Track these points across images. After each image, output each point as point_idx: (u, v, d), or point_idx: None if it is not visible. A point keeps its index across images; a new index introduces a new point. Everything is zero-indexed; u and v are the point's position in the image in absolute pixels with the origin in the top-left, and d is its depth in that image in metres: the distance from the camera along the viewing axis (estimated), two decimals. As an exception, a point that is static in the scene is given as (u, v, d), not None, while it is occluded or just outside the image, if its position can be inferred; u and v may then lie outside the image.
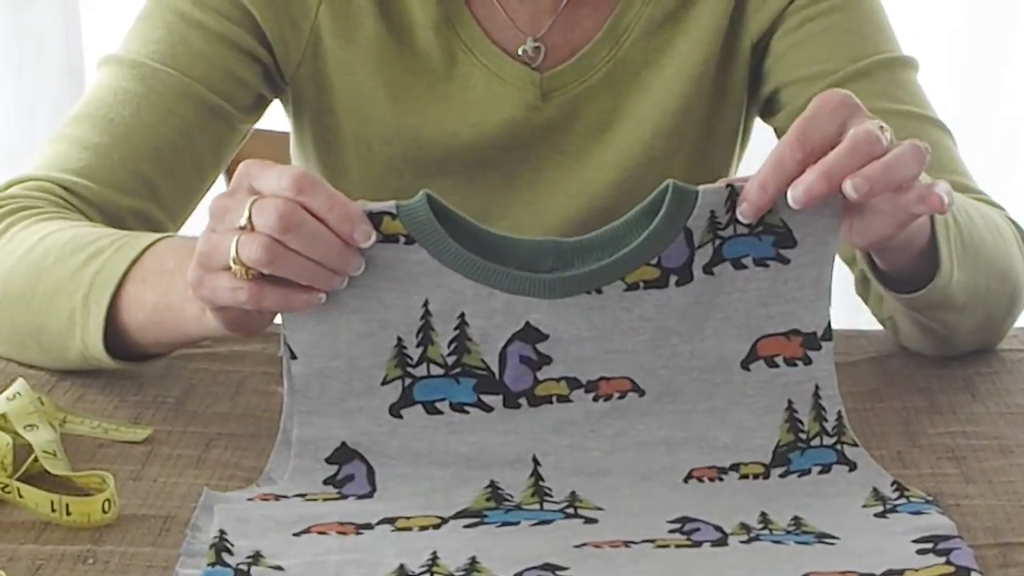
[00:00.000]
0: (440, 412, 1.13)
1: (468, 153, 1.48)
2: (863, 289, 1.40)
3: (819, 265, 1.14)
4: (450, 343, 1.13)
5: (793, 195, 1.09)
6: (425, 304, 1.12)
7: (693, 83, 1.48)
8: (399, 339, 1.13)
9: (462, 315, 1.12)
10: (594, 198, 1.49)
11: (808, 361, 1.15)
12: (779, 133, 1.50)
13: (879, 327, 1.41)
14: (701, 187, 1.13)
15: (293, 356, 1.12)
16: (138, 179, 1.40)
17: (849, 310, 1.36)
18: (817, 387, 1.15)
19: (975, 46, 2.51)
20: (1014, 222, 1.41)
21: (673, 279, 1.13)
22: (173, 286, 1.21)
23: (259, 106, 1.51)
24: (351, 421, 1.13)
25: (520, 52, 1.47)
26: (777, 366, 1.15)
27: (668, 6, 1.47)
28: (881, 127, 1.11)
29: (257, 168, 1.10)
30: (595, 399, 1.14)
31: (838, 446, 1.14)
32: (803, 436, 1.14)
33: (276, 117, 1.58)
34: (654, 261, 1.12)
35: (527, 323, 1.13)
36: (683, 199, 1.12)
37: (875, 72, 1.45)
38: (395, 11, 1.46)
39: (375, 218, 1.10)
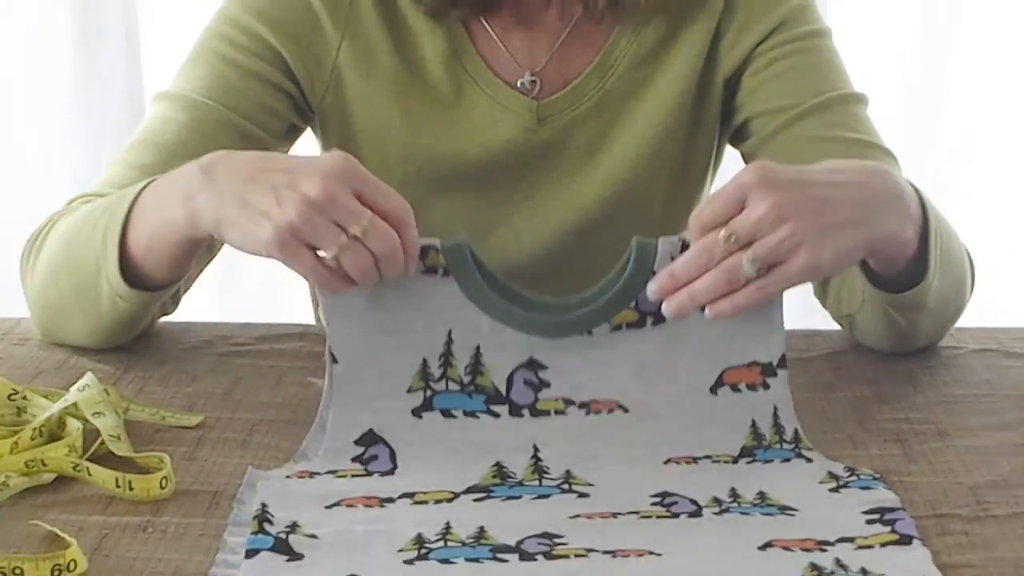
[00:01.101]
0: (455, 417, 1.16)
1: (474, 170, 1.49)
2: (820, 292, 1.40)
3: (771, 306, 1.17)
4: (466, 367, 1.17)
5: (667, 308, 1.15)
6: (448, 334, 1.17)
7: (672, 113, 1.48)
8: (424, 360, 1.17)
9: (477, 347, 1.17)
10: (585, 211, 1.50)
11: (767, 387, 1.17)
12: (746, 158, 1.50)
13: (833, 327, 1.42)
14: (660, 238, 1.16)
15: (335, 360, 1.16)
16: None
17: (805, 312, 1.37)
18: (775, 408, 1.17)
19: (917, 82, 2.50)
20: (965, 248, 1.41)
21: (650, 320, 1.16)
22: (166, 204, 1.23)
23: (292, 133, 1.51)
24: (379, 415, 1.15)
25: (519, 84, 1.48)
26: (740, 391, 1.17)
27: (650, 44, 1.48)
28: (753, 259, 1.13)
29: (371, 182, 1.15)
30: (587, 413, 1.16)
31: (796, 450, 1.16)
32: (765, 443, 1.16)
33: (307, 140, 1.58)
34: (633, 305, 1.16)
35: (531, 357, 1.17)
36: (646, 249, 1.16)
37: (833, 105, 1.46)
38: (408, 47, 1.47)
39: (423, 251, 1.16)
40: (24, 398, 1.21)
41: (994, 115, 2.54)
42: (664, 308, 1.16)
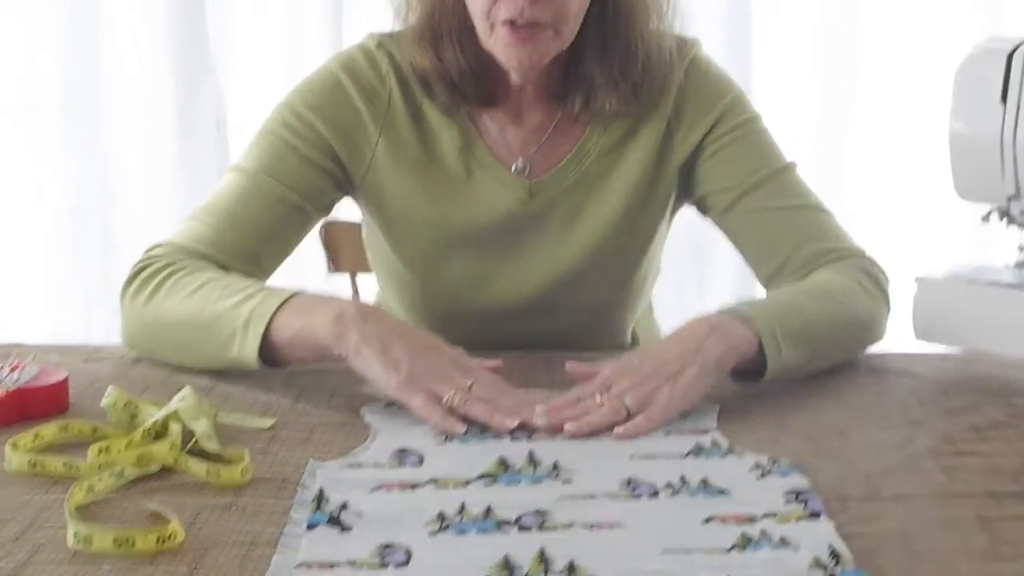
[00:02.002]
0: (469, 443, 1.16)
1: (480, 233, 1.48)
2: None
3: (708, 412, 1.24)
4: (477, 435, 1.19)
5: (568, 428, 1.17)
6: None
7: (633, 191, 1.48)
8: (445, 435, 1.18)
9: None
10: (566, 266, 1.49)
11: (707, 433, 1.18)
12: (716, 224, 1.50)
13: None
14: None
15: (376, 434, 1.19)
16: (243, 247, 1.40)
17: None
18: (714, 439, 1.17)
19: (822, 151, 2.57)
20: (869, 272, 1.41)
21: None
22: (315, 317, 1.23)
23: (331, 205, 1.49)
24: (413, 443, 1.16)
25: (515, 168, 1.48)
26: (684, 434, 1.18)
27: (615, 138, 1.48)
28: (631, 400, 1.19)
29: (475, 368, 1.22)
30: (568, 439, 1.17)
31: (730, 451, 1.15)
32: (706, 451, 1.15)
33: (353, 211, 1.58)
34: None
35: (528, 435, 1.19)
36: None
37: (767, 182, 1.46)
38: (431, 141, 1.47)
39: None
40: (136, 406, 1.20)
41: (882, 179, 2.63)
42: (566, 428, 1.18)
